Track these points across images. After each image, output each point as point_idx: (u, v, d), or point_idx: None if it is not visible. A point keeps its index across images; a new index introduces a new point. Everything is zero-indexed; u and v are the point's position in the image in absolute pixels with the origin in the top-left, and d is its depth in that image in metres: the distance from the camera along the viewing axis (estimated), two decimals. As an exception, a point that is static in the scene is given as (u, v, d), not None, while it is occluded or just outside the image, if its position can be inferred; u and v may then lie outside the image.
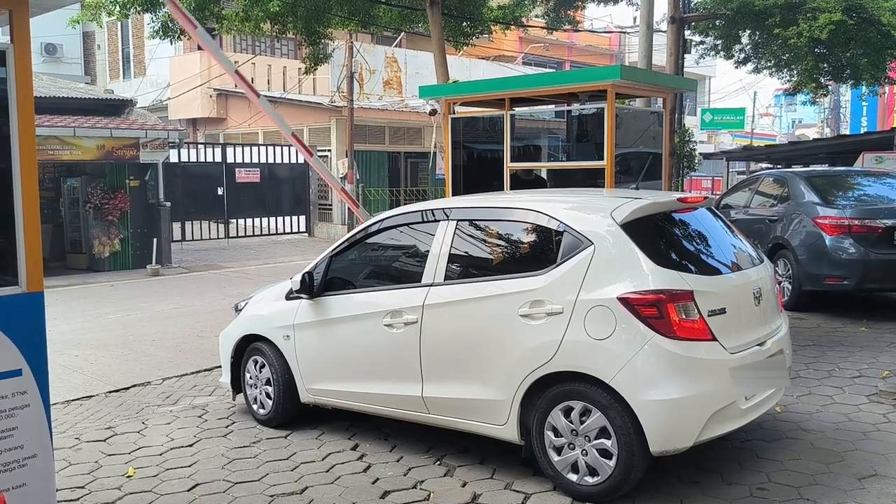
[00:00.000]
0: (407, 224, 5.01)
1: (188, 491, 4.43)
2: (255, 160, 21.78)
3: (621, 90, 6.53)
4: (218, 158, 21.30)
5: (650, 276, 3.90)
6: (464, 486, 4.34)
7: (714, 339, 3.93)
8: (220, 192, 20.91)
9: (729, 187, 18.25)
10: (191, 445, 5.20)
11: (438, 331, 4.47)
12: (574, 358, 3.97)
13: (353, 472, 4.60)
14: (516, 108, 7.08)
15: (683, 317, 3.86)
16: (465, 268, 4.57)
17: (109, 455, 5.07)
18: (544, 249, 4.33)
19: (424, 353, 4.52)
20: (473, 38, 15.38)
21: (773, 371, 4.38)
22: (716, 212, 4.90)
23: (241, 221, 21.49)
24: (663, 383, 3.80)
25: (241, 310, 5.85)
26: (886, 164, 13.33)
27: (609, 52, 38.87)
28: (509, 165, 6.77)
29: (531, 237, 4.44)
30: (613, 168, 6.14)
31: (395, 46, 26.40)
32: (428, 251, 4.66)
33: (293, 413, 5.39)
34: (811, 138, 34.81)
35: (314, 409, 5.43)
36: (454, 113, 7.33)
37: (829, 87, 22.44)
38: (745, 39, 16.89)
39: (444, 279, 4.53)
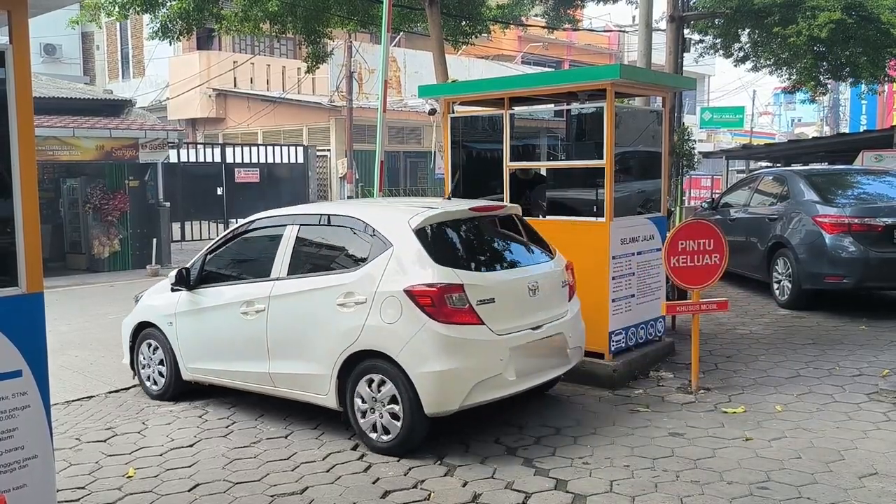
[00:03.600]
0: (264, 227, 5.89)
1: (189, 491, 4.43)
2: (254, 160, 21.75)
3: (621, 89, 6.52)
4: (217, 158, 21.27)
5: (430, 272, 4.71)
6: (464, 485, 4.34)
7: (481, 323, 4.74)
8: (219, 192, 20.87)
9: (728, 186, 18.24)
10: (191, 445, 5.20)
11: (280, 318, 5.31)
12: (372, 339, 4.82)
13: (353, 472, 4.60)
14: (516, 108, 7.07)
15: (454, 305, 4.68)
16: (302, 264, 5.42)
17: (110, 455, 5.07)
18: (359, 250, 5.17)
19: (270, 337, 5.35)
20: (472, 37, 15.36)
21: (548, 350, 5.20)
22: (514, 218, 5.67)
23: (240, 221, 21.45)
24: (434, 358, 4.60)
25: (138, 300, 6.68)
26: (886, 162, 13.32)
27: (608, 51, 38.88)
28: (509, 165, 6.77)
29: (351, 239, 5.30)
30: (613, 167, 6.14)
31: (395, 46, 26.39)
32: (276, 250, 5.50)
33: (180, 389, 6.21)
34: (810, 137, 34.79)
35: (315, 409, 5.44)
36: (453, 112, 7.33)
37: (829, 86, 22.40)
38: (744, 38, 16.86)
39: (287, 274, 5.38)
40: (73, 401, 6.40)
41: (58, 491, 3.56)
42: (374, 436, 4.88)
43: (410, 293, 4.66)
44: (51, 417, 3.27)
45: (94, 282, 14.01)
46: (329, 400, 5.07)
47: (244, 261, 6.08)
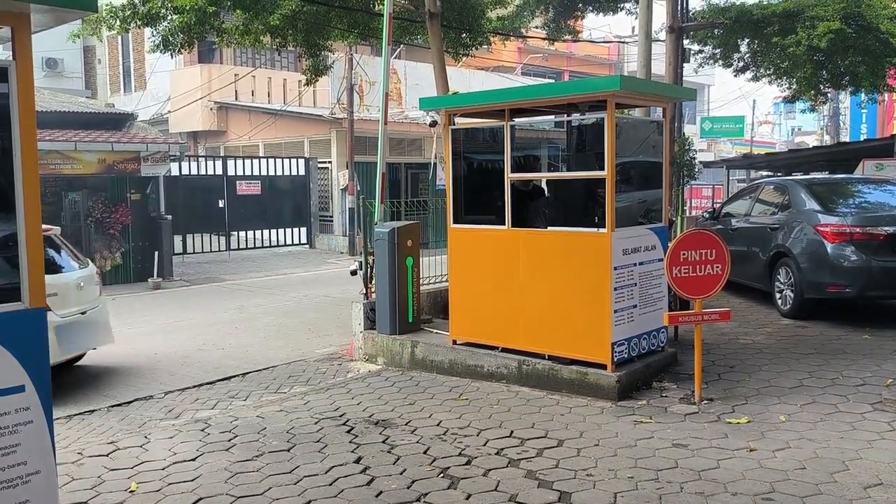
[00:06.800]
0: None
1: (191, 505, 4.41)
2: (255, 172, 21.80)
3: (621, 100, 6.53)
4: (219, 171, 21.33)
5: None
6: (468, 498, 4.32)
7: (49, 309, 6.61)
8: (221, 204, 20.91)
9: (729, 196, 18.26)
10: (193, 459, 5.18)
11: None
12: None
13: (356, 486, 4.58)
14: (516, 119, 7.09)
15: None
16: None
17: (112, 470, 5.06)
18: None
19: None
20: (473, 49, 15.40)
21: (92, 327, 7.61)
22: (57, 238, 7.84)
23: (242, 234, 21.49)
24: None
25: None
26: (887, 171, 13.35)
27: (608, 62, 38.99)
28: (510, 176, 6.78)
29: None
30: (614, 177, 6.15)
31: (395, 58, 26.46)
32: None
33: None
34: (811, 146, 34.88)
35: (318, 420, 5.42)
36: (454, 124, 7.34)
37: (829, 95, 22.45)
38: (743, 48, 16.89)
39: None
40: (75, 415, 6.40)
41: (60, 506, 3.54)
42: None
43: None
44: (53, 432, 3.27)
45: (95, 295, 13.99)
46: None
47: None
